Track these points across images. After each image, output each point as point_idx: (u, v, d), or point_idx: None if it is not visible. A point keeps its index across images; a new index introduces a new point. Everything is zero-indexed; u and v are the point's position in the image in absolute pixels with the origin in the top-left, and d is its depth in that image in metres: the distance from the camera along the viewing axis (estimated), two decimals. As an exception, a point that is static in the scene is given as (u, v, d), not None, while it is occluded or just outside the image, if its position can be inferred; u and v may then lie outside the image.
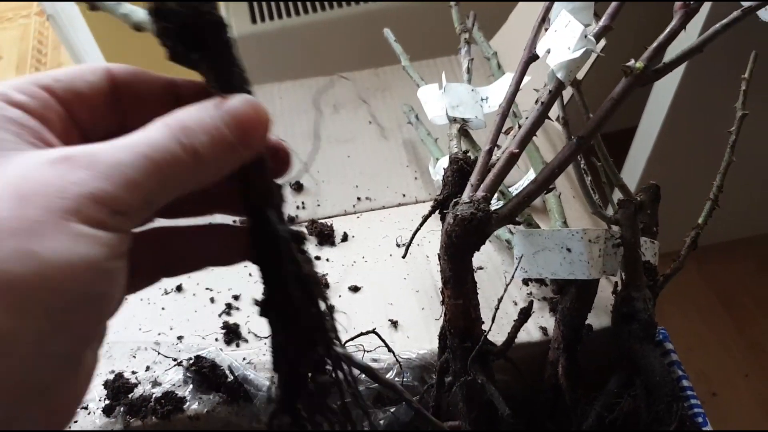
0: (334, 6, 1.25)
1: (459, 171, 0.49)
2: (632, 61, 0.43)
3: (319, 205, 0.78)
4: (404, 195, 0.78)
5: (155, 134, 0.25)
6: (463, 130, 0.60)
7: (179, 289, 0.67)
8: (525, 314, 0.46)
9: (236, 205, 0.31)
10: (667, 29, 0.44)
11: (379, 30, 1.08)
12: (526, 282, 0.61)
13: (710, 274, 1.53)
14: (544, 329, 0.56)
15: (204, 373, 0.52)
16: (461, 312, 0.45)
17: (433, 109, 0.62)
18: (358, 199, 0.78)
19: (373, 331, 0.52)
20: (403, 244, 0.69)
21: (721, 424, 1.28)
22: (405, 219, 0.74)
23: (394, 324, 0.58)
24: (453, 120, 0.60)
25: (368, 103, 0.90)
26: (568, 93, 0.57)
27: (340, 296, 0.63)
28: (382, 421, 0.52)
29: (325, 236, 0.72)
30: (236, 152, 0.26)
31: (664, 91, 1.18)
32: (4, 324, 0.21)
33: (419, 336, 0.57)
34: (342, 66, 0.97)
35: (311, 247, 0.71)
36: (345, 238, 0.72)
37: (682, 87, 1.14)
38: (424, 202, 0.77)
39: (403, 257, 0.57)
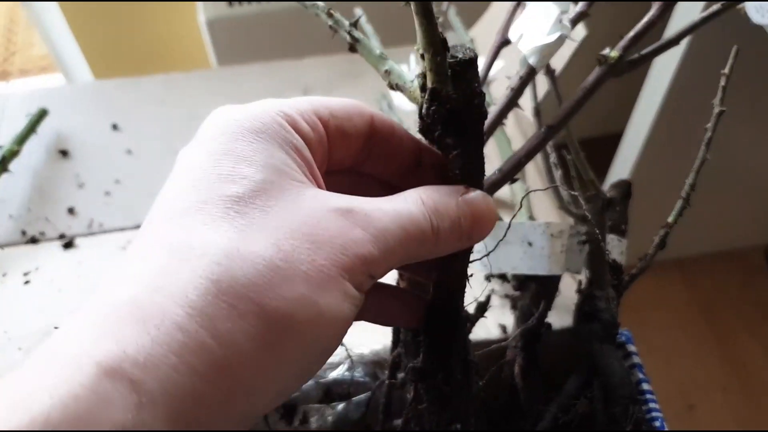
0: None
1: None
2: (607, 50, 0.43)
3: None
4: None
5: (414, 209, 0.27)
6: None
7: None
8: (481, 309, 0.45)
9: (420, 270, 0.35)
10: (644, 19, 0.44)
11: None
12: (488, 278, 0.60)
13: (694, 285, 1.54)
14: (503, 327, 0.55)
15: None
16: (414, 304, 0.45)
17: (400, 94, 0.61)
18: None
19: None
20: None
21: (697, 436, 1.29)
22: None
23: (350, 317, 0.58)
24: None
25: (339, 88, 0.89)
26: (545, 85, 0.56)
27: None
28: (330, 418, 0.52)
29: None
30: (464, 241, 0.29)
31: (653, 95, 1.18)
32: (263, 355, 0.23)
33: (375, 330, 0.56)
34: (317, 51, 0.96)
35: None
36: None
37: (673, 90, 1.14)
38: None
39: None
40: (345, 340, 0.51)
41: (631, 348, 0.49)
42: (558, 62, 0.79)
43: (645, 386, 0.50)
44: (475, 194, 0.30)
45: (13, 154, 0.75)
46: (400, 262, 0.27)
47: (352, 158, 0.31)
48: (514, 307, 0.55)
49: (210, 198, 0.25)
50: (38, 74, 1.91)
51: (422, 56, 0.28)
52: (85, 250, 0.70)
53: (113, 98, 0.88)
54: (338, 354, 0.52)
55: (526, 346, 0.48)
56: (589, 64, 0.44)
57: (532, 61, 0.45)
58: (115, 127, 0.83)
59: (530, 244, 0.44)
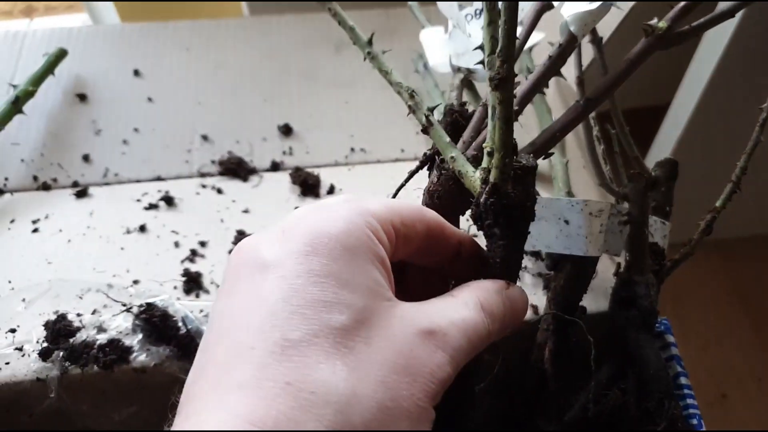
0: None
1: (452, 124, 0.45)
2: (655, 20, 0.39)
3: (308, 153, 0.74)
4: (403, 150, 0.74)
5: (477, 318, 0.30)
6: (467, 82, 0.55)
7: (143, 229, 0.64)
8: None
9: None
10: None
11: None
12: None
13: (732, 269, 1.49)
14: (535, 308, 0.52)
15: (154, 322, 0.49)
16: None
17: (435, 55, 0.58)
18: (352, 149, 0.74)
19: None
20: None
21: (726, 427, 1.26)
22: (401, 175, 0.69)
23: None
24: (457, 69, 0.55)
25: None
26: (590, 53, 0.52)
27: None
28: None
29: (309, 186, 0.68)
30: (502, 333, 0.32)
31: (701, 70, 1.12)
32: None
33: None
34: (351, 6, 0.92)
35: (293, 198, 0.68)
36: (331, 190, 0.68)
37: (722, 66, 1.08)
38: (423, 159, 0.73)
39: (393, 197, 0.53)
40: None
41: (670, 338, 0.46)
42: (604, 30, 0.74)
43: (683, 380, 0.47)
44: (515, 291, 0.33)
45: (27, 95, 0.73)
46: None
47: (407, 257, 0.33)
48: (546, 287, 0.52)
49: (320, 330, 0.25)
50: (64, 13, 1.88)
51: (489, 154, 0.33)
52: (98, 200, 0.68)
53: (137, 43, 0.85)
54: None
55: (558, 330, 0.45)
56: (638, 34, 0.41)
57: (573, 28, 0.41)
58: (136, 73, 0.81)
59: (567, 222, 0.41)
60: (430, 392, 0.26)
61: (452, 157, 0.38)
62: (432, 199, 0.39)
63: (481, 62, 0.38)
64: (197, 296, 0.56)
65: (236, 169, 0.71)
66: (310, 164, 0.73)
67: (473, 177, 0.36)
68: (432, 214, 0.34)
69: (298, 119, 0.77)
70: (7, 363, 0.50)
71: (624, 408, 0.44)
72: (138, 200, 0.68)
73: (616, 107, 0.45)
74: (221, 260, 0.60)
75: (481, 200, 0.33)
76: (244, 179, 0.71)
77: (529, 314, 0.52)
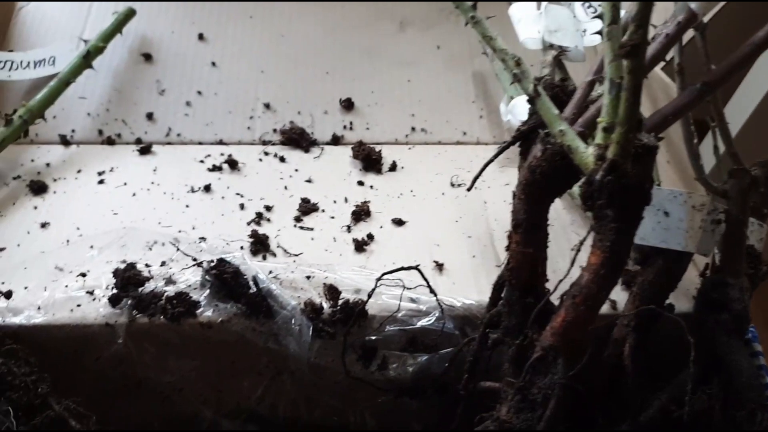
0: None
1: (553, 99, 0.45)
2: None
3: (368, 129, 0.75)
4: (465, 133, 0.74)
5: None
6: (558, 60, 0.55)
7: (207, 189, 0.64)
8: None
9: None
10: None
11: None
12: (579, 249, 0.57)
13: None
14: (613, 302, 0.52)
15: (225, 278, 0.50)
16: (528, 262, 0.42)
17: (526, 30, 0.58)
18: (413, 129, 0.75)
19: (416, 268, 0.49)
20: (459, 185, 0.66)
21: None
22: (463, 158, 0.70)
23: (440, 267, 0.56)
24: (549, 46, 0.55)
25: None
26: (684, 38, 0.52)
27: (381, 227, 0.60)
28: (411, 368, 0.50)
29: (372, 161, 0.68)
30: None
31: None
32: None
33: (466, 284, 0.54)
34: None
35: (355, 172, 0.68)
36: (393, 167, 0.69)
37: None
38: (486, 144, 0.73)
39: (469, 189, 0.54)
40: (437, 289, 0.49)
41: (757, 347, 0.46)
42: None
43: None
44: None
45: (97, 50, 0.73)
46: None
47: None
48: (627, 282, 0.52)
49: None
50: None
51: (606, 129, 0.33)
52: (161, 158, 0.69)
53: (202, 7, 0.85)
54: (427, 302, 0.51)
55: (640, 326, 0.45)
56: (738, 21, 0.41)
57: (694, 6, 0.41)
58: (201, 37, 0.81)
59: (666, 213, 0.41)
60: None
61: (561, 131, 0.37)
62: (534, 174, 0.39)
63: (599, 32, 0.38)
64: (264, 258, 0.56)
65: (298, 139, 0.72)
66: (370, 140, 0.73)
67: (585, 153, 0.36)
68: None
69: (359, 94, 0.77)
70: (78, 305, 0.51)
71: (707, 414, 0.43)
72: (201, 161, 0.68)
73: (718, 99, 0.44)
74: (287, 225, 0.60)
75: (597, 178, 0.33)
76: (306, 150, 0.71)
77: (605, 308, 0.52)
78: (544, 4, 0.57)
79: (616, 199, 0.32)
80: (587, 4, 0.53)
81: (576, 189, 0.60)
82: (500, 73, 0.73)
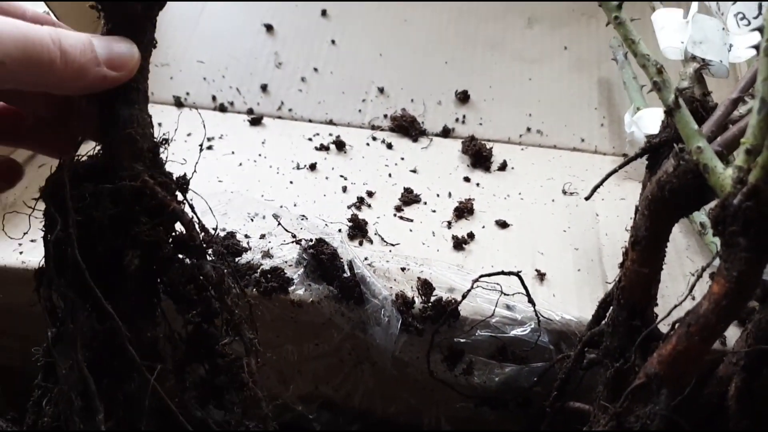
0: None
1: (691, 114, 0.43)
2: None
3: (481, 124, 0.74)
4: (583, 140, 0.73)
5: (35, 25, 0.30)
6: (699, 74, 0.53)
7: (313, 167, 0.66)
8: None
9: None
10: None
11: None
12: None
13: None
14: (722, 337, 0.50)
15: (321, 259, 0.51)
16: (642, 283, 0.41)
17: (668, 38, 0.55)
18: (528, 129, 0.73)
19: (517, 275, 0.49)
20: (571, 193, 0.64)
21: None
22: (578, 166, 0.69)
23: (541, 276, 0.54)
24: (691, 58, 0.53)
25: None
26: None
27: (483, 227, 0.60)
28: (497, 377, 0.49)
29: (482, 158, 0.68)
30: (103, 70, 0.32)
31: None
32: None
33: (567, 298, 0.53)
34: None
35: (462, 167, 0.68)
36: (503, 166, 0.68)
37: None
38: (604, 154, 0.71)
39: (587, 198, 0.52)
40: (536, 299, 0.48)
41: None
42: None
43: None
44: (109, 35, 0.33)
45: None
46: (22, 65, 0.29)
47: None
48: (742, 319, 0.49)
49: None
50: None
51: (749, 151, 0.31)
52: (270, 131, 0.71)
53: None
54: (524, 311, 0.50)
55: (750, 367, 0.43)
56: None
57: None
58: (324, 13, 0.83)
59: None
60: None
61: (699, 148, 0.36)
62: (662, 190, 0.37)
63: (755, 47, 0.36)
64: (360, 244, 0.57)
65: (408, 127, 0.72)
66: (481, 136, 0.72)
67: (723, 174, 0.34)
68: (34, 11, 0.35)
69: (476, 88, 0.77)
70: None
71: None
72: (309, 139, 0.70)
73: None
74: (387, 213, 0.61)
75: (734, 202, 0.31)
76: (414, 139, 0.72)
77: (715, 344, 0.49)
78: (692, 13, 0.54)
79: (752, 228, 0.30)
80: (741, 15, 0.50)
81: (697, 213, 0.58)
82: (629, 82, 0.71)
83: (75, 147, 0.36)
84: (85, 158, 0.36)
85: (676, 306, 0.38)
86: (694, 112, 0.44)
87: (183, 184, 0.38)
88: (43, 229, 0.35)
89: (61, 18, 0.64)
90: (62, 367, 0.33)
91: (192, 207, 0.38)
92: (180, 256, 0.36)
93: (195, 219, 0.37)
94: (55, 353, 0.34)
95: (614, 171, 0.48)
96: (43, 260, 0.34)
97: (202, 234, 0.37)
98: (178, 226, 0.37)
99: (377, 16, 0.84)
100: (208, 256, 0.37)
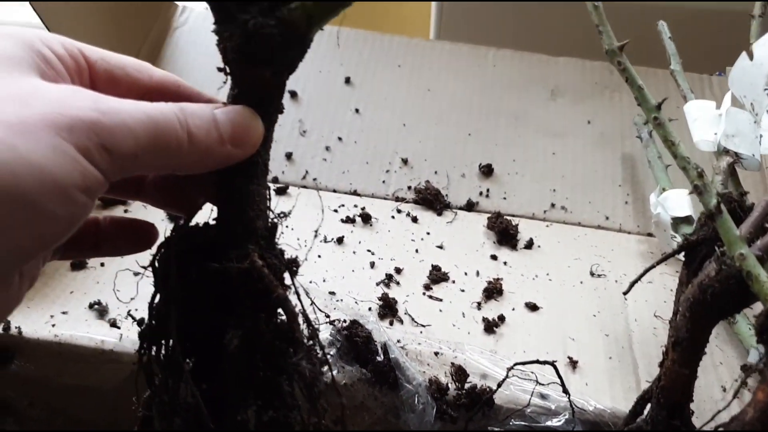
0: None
1: (729, 215, 0.45)
2: None
3: (505, 198, 0.76)
4: (607, 217, 0.75)
5: (159, 104, 0.30)
6: (732, 168, 0.55)
7: (340, 241, 0.68)
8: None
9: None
10: None
11: (624, 17, 1.03)
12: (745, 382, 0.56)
13: None
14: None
15: (356, 342, 0.53)
16: (682, 382, 0.42)
17: (701, 131, 0.58)
18: (552, 205, 0.76)
19: (552, 364, 0.50)
20: (599, 275, 0.66)
21: None
22: (604, 245, 0.71)
23: (573, 363, 0.56)
24: (724, 151, 0.56)
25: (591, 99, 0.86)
26: None
27: (513, 309, 0.61)
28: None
29: (509, 236, 0.70)
30: (227, 147, 0.32)
31: None
32: None
33: (600, 387, 0.54)
34: (568, 49, 0.94)
35: (488, 243, 0.70)
36: (530, 245, 0.70)
37: None
38: (629, 233, 0.73)
39: (625, 294, 0.54)
40: (569, 387, 0.50)
41: None
42: None
43: None
44: (234, 106, 0.33)
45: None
46: (150, 152, 0.29)
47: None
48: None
49: None
50: None
51: None
52: (295, 201, 0.73)
53: (351, 49, 0.90)
54: (558, 401, 0.51)
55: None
56: None
57: None
58: (348, 80, 0.86)
59: None
60: (51, 119, 0.26)
61: (741, 255, 0.38)
62: (704, 294, 0.39)
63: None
64: (391, 324, 0.59)
65: (432, 201, 0.75)
66: (506, 211, 0.75)
67: (766, 283, 0.36)
68: (164, 71, 0.36)
69: (500, 161, 0.79)
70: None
71: None
72: (335, 210, 0.72)
73: None
74: (416, 292, 0.63)
75: None
76: (439, 213, 0.74)
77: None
78: (725, 106, 0.57)
79: None
80: (775, 110, 0.53)
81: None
82: (654, 161, 0.73)
83: (194, 208, 0.38)
84: (197, 224, 0.37)
85: (719, 411, 0.40)
86: (732, 212, 0.46)
87: (293, 266, 0.39)
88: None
89: (51, 21, 0.66)
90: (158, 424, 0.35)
91: (299, 294, 0.39)
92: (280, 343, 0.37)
93: (300, 308, 0.38)
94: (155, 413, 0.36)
95: (652, 267, 0.50)
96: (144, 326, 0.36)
97: (305, 326, 0.38)
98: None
99: (400, 84, 0.87)
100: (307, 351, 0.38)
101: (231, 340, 0.36)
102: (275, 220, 0.39)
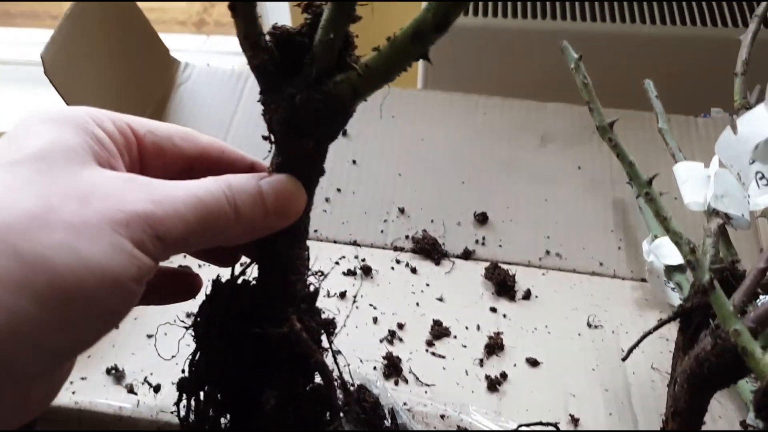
0: (567, 17, 1.23)
1: (720, 283, 0.47)
2: None
3: (500, 246, 0.78)
4: (601, 264, 0.77)
5: (208, 182, 0.32)
6: (723, 228, 0.58)
7: (342, 296, 0.69)
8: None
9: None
10: None
11: (613, 60, 1.06)
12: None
13: None
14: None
15: (364, 407, 0.54)
16: (683, 451, 0.44)
17: (691, 192, 0.60)
18: (547, 252, 0.78)
19: (555, 426, 0.52)
20: (596, 326, 0.68)
21: None
22: (600, 293, 0.73)
23: (575, 421, 0.58)
24: (714, 212, 0.58)
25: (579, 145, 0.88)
26: None
27: (515, 365, 0.63)
28: None
29: (506, 287, 0.72)
30: (272, 218, 0.34)
31: None
32: (21, 304, 0.25)
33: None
34: (555, 93, 0.96)
35: (487, 294, 0.72)
36: (527, 295, 0.72)
37: None
38: (623, 278, 0.75)
39: (624, 359, 0.56)
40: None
41: None
42: None
43: None
44: (277, 175, 0.34)
45: (248, 139, 0.81)
46: (199, 234, 0.30)
47: (171, 174, 0.34)
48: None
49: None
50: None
51: None
52: (297, 256, 0.74)
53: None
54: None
55: None
56: None
57: None
58: (344, 132, 0.88)
59: None
60: (109, 216, 0.27)
61: (736, 330, 0.39)
62: (701, 367, 0.41)
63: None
64: (396, 384, 0.60)
65: (430, 250, 0.76)
66: (502, 258, 0.76)
67: (762, 360, 0.37)
68: (210, 138, 0.37)
69: (494, 209, 0.81)
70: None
71: None
72: (336, 263, 0.74)
73: None
74: (419, 349, 0.64)
75: None
76: (437, 262, 0.76)
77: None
78: (713, 168, 0.59)
79: None
80: (761, 175, 0.55)
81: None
82: (644, 207, 0.75)
83: (232, 261, 0.39)
84: (237, 283, 0.38)
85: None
86: (725, 281, 0.48)
87: (330, 328, 0.41)
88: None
89: (64, 88, 0.68)
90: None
91: (335, 356, 0.40)
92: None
93: (336, 372, 0.39)
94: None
95: (649, 333, 0.52)
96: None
97: (341, 392, 0.39)
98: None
99: (394, 135, 0.89)
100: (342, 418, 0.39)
101: (268, 400, 0.38)
102: (317, 286, 0.41)
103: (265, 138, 0.36)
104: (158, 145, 0.35)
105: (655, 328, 0.51)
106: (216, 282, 0.39)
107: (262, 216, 0.33)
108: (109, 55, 0.82)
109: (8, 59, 1.68)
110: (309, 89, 0.33)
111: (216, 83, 0.94)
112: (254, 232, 0.34)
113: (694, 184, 0.60)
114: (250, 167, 0.39)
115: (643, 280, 0.75)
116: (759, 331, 0.42)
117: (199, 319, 0.39)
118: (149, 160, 0.35)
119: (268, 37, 0.34)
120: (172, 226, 0.29)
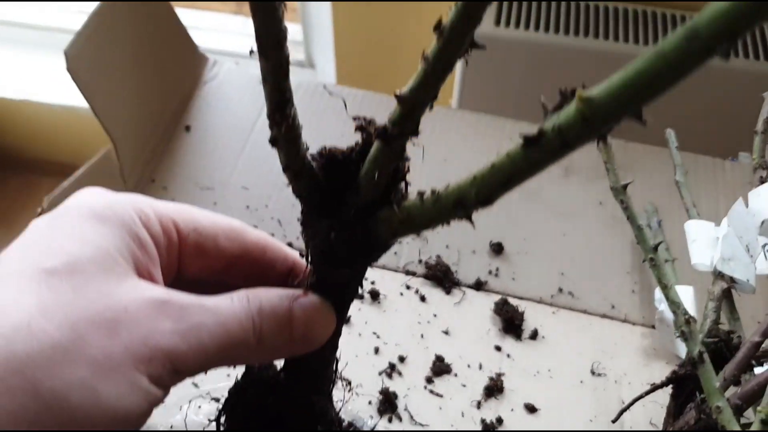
0: (599, 36, 1.20)
1: (714, 353, 0.46)
2: None
3: (513, 279, 0.77)
4: (613, 306, 0.76)
5: (238, 308, 0.30)
6: (728, 292, 0.56)
7: (347, 321, 0.69)
8: None
9: None
10: None
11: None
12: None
13: None
14: None
15: (351, 446, 0.54)
16: None
17: (700, 253, 0.59)
18: (560, 290, 0.77)
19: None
20: (599, 374, 0.67)
21: None
22: (608, 338, 0.72)
23: (570, 477, 0.57)
24: (719, 275, 0.56)
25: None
26: None
27: (512, 410, 0.63)
28: None
29: (513, 326, 0.71)
30: (298, 346, 0.32)
31: None
32: None
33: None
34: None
35: (494, 330, 0.71)
36: (534, 335, 0.71)
37: None
38: (633, 324, 0.74)
39: (613, 422, 0.55)
40: None
41: None
42: None
43: None
44: (311, 299, 0.33)
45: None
46: (216, 362, 0.30)
47: (209, 274, 0.34)
48: None
49: (27, 268, 0.27)
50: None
51: (763, 422, 0.33)
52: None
53: (359, 110, 0.91)
54: None
55: None
56: None
57: None
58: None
59: None
60: (134, 352, 0.27)
61: (718, 408, 0.39)
62: None
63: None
64: (390, 420, 0.60)
65: (442, 278, 0.76)
66: (513, 292, 0.76)
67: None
68: (255, 235, 0.36)
69: (511, 239, 0.80)
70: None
71: None
72: (345, 286, 0.73)
73: None
74: (417, 385, 0.64)
75: None
76: (447, 291, 0.75)
77: None
78: (722, 231, 0.58)
79: None
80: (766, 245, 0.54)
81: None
82: (660, 253, 0.74)
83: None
84: (267, 375, 0.39)
85: None
86: (718, 351, 0.47)
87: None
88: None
89: (89, 89, 0.68)
90: None
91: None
92: None
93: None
94: None
95: (640, 397, 0.52)
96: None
97: None
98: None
99: (417, 152, 0.88)
100: None
101: None
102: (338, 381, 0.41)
103: (302, 255, 0.36)
104: (201, 246, 0.34)
105: (647, 393, 0.50)
106: (247, 373, 0.39)
107: (285, 342, 0.32)
108: (135, 51, 0.82)
109: (49, 26, 1.71)
110: (347, 226, 0.32)
111: (243, 82, 0.94)
112: (274, 356, 0.34)
113: (702, 244, 0.59)
114: (290, 270, 0.37)
115: (653, 327, 0.74)
116: (744, 409, 0.42)
117: (228, 406, 0.39)
118: (189, 259, 0.34)
119: (311, 158, 0.33)
120: (192, 359, 0.29)
